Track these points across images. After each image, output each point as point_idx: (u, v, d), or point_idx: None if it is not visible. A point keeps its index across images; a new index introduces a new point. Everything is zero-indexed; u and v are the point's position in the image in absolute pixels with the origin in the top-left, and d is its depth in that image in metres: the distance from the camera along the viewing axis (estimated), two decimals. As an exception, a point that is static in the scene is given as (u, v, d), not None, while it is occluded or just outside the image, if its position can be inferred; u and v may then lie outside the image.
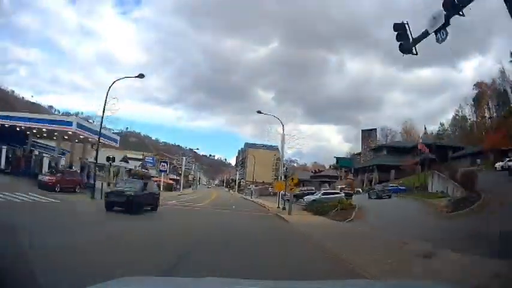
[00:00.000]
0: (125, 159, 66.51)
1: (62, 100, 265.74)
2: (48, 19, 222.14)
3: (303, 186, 71.32)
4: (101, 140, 34.21)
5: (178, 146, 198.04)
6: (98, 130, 31.05)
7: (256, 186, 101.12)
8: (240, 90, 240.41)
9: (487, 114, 65.86)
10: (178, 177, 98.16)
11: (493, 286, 4.94)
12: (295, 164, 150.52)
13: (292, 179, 21.24)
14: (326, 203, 25.49)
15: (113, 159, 26.02)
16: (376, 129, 78.97)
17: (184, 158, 59.86)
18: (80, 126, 28.84)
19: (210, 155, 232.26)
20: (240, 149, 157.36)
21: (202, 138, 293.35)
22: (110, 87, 25.82)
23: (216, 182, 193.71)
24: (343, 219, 19.08)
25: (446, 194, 30.85)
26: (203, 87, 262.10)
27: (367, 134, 76.87)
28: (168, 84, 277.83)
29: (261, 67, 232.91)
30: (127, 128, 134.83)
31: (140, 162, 61.22)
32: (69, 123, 28.55)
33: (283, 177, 31.08)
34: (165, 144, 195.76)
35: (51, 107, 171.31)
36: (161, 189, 55.92)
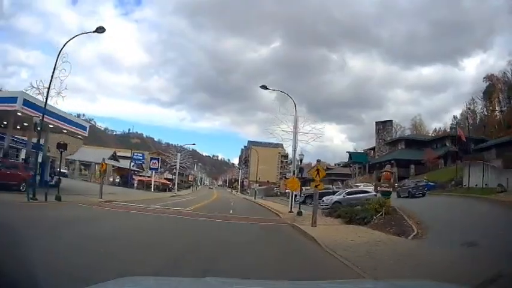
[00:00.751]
0: (115, 157, 59.53)
1: (65, 102, 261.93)
2: (49, 21, 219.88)
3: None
4: (64, 127, 27.51)
5: (181, 146, 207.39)
6: (57, 113, 24.18)
7: (259, 186, 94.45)
8: (242, 90, 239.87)
9: (497, 107, 63.16)
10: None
11: (494, 286, 4.34)
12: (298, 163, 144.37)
13: (318, 170, 13.55)
14: (356, 205, 18.35)
15: (64, 147, 18.83)
16: (391, 120, 71.42)
17: (179, 154, 52.40)
18: (28, 104, 21.67)
19: (213, 156, 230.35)
20: (242, 147, 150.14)
21: (206, 139, 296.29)
22: (60, 50, 19.06)
23: (219, 182, 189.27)
24: (401, 234, 11.81)
25: (503, 187, 24.79)
26: (205, 87, 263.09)
27: (382, 127, 69.23)
28: (170, 85, 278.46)
29: (263, 67, 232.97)
30: (129, 129, 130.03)
31: (133, 162, 54.18)
32: (13, 100, 21.44)
33: (296, 171, 23.87)
34: (168, 144, 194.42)
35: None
36: (152, 189, 49.13)
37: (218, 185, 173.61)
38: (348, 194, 25.30)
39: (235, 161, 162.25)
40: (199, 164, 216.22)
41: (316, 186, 13.53)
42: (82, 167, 57.45)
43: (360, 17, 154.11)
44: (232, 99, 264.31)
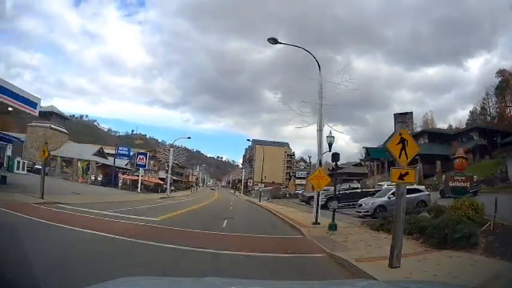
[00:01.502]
0: (101, 153, 52.21)
1: (68, 104, 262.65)
2: (52, 23, 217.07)
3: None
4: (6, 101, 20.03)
5: (186, 148, 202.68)
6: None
7: (265, 186, 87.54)
8: (246, 91, 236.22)
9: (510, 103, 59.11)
10: (175, 177, 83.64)
11: (494, 286, 4.56)
12: (303, 164, 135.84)
13: (405, 141, 5.83)
14: (412, 211, 11.06)
15: None
16: (411, 112, 62.67)
17: (171, 149, 44.91)
18: None
19: (218, 157, 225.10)
20: (247, 147, 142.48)
21: (210, 141, 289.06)
22: None
23: (223, 183, 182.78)
24: None
25: None
26: (209, 89, 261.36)
27: (401, 119, 60.83)
28: (174, 87, 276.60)
29: (267, 68, 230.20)
30: (132, 130, 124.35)
31: (128, 159, 46.75)
32: None
33: (320, 162, 16.26)
34: (172, 146, 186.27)
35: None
36: (139, 189, 41.73)
37: (221, 186, 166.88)
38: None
39: (240, 162, 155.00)
40: (204, 165, 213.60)
41: (402, 177, 5.88)
42: (64, 164, 50.17)
43: (364, 17, 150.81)
44: (236, 101, 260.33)
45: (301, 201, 30.17)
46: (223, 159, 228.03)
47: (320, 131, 14.93)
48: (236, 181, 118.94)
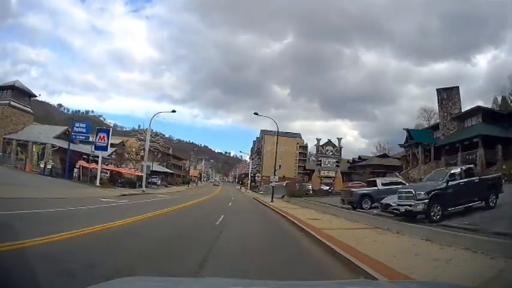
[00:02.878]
0: (68, 136, 40.09)
1: (76, 100, 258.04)
2: (58, 19, 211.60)
3: (350, 181, 44.51)
4: None
5: (193, 143, 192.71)
6: None
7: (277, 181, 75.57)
8: (255, 86, 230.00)
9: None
10: (171, 170, 71.75)
11: (494, 286, 4.40)
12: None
13: None
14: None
15: None
16: (457, 87, 49.20)
17: (148, 130, 32.60)
18: None
19: (226, 152, 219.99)
20: (255, 138, 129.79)
21: (219, 136, 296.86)
22: None
23: (230, 178, 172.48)
24: None
25: None
26: (218, 84, 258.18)
27: (446, 95, 47.20)
28: (182, 82, 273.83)
29: (276, 63, 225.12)
30: (139, 125, 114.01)
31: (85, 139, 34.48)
32: None
33: None
34: (179, 141, 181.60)
35: (60, 105, 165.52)
36: (98, 182, 29.24)
37: (227, 182, 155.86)
38: None
39: (248, 157, 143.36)
40: (212, 160, 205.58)
41: None
42: (19, 149, 38.51)
43: (373, 11, 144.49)
44: (245, 96, 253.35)
45: (347, 203, 17.74)
46: (232, 155, 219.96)
47: None
48: (243, 175, 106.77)
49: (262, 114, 48.63)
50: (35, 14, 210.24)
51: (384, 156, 76.16)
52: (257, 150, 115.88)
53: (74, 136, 31.75)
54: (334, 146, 34.51)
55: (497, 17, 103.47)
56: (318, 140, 34.36)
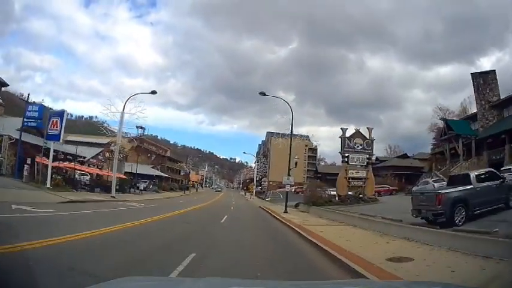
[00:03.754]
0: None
1: (80, 106, 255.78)
2: (62, 24, 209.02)
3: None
4: None
5: (198, 149, 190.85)
6: None
7: (279, 187, 68.41)
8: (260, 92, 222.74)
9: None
10: (166, 174, 64.03)
11: (493, 286, 4.37)
12: (323, 163, 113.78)
13: None
14: None
15: None
16: (494, 71, 40.60)
17: (122, 115, 24.80)
18: None
19: (231, 158, 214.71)
20: (260, 142, 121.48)
21: (224, 142, 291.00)
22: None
23: (234, 184, 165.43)
24: None
25: None
26: (223, 90, 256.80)
27: (482, 81, 38.61)
28: (187, 88, 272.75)
29: (281, 68, 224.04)
30: (143, 130, 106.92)
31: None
32: None
33: None
34: (184, 147, 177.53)
35: (63, 111, 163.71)
36: (49, 183, 20.73)
37: (231, 188, 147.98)
38: None
39: (253, 164, 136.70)
40: (216, 166, 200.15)
41: None
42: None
43: (376, 16, 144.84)
44: (250, 101, 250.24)
45: (429, 215, 9.87)
46: (237, 161, 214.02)
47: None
48: (247, 180, 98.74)
49: (269, 95, 41.08)
50: (39, 19, 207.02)
51: (405, 156, 68.16)
52: (263, 154, 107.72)
53: (26, 123, 24.08)
54: (364, 137, 26.54)
55: (500, 19, 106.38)
56: (344, 130, 26.44)
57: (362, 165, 26.09)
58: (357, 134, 26.75)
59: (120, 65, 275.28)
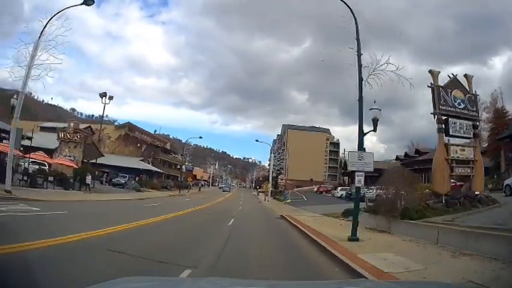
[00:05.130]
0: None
1: (91, 105, 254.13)
2: (73, 24, 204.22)
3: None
4: None
5: (211, 149, 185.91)
6: None
7: (297, 187, 57.40)
8: (274, 92, 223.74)
9: None
10: (161, 170, 52.68)
11: (494, 286, 4.19)
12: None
13: None
14: None
15: None
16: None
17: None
18: None
19: (244, 158, 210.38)
20: (275, 137, 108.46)
21: (237, 142, 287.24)
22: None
23: (247, 184, 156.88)
24: None
25: None
26: (237, 90, 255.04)
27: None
28: (201, 88, 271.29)
29: (294, 68, 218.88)
30: (155, 130, 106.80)
31: None
32: None
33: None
34: (196, 146, 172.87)
35: (73, 109, 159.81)
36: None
37: (244, 187, 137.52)
38: None
39: (267, 164, 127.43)
40: (229, 166, 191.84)
41: None
42: None
43: (389, 15, 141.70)
44: (263, 101, 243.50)
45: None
46: (250, 160, 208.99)
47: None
48: (260, 179, 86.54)
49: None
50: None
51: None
52: (278, 148, 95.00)
53: None
54: (465, 90, 14.17)
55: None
56: (435, 73, 14.08)
57: (468, 138, 14.04)
58: (455, 83, 14.24)
59: (132, 64, 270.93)
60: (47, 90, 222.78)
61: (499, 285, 4.65)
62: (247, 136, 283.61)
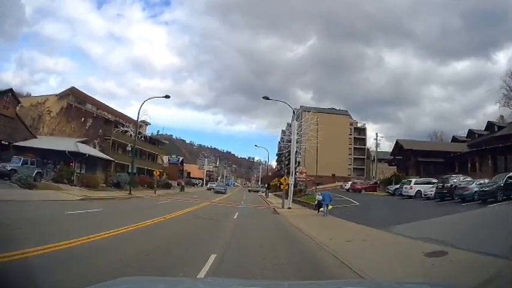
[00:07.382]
0: None
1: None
2: (75, 26, 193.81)
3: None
4: None
5: (215, 148, 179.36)
6: None
7: (318, 184, 41.11)
8: (279, 91, 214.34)
9: None
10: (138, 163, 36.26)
11: (493, 286, 4.26)
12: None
13: None
14: None
15: None
16: None
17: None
18: None
19: (249, 158, 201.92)
20: (290, 121, 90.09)
21: (243, 142, 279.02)
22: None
23: (253, 183, 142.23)
24: None
25: None
26: (241, 90, 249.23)
27: None
28: (205, 88, 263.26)
29: (299, 66, 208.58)
30: (158, 131, 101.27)
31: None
32: None
33: None
34: (200, 146, 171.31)
35: None
36: None
37: (248, 187, 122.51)
38: None
39: (274, 164, 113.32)
40: (234, 165, 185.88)
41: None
42: None
43: (394, 10, 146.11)
44: (268, 101, 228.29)
45: None
46: (255, 160, 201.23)
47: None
48: (268, 174, 69.16)
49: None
50: (51, 22, 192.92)
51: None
52: (288, 141, 77.64)
53: None
54: None
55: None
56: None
57: None
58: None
59: (136, 66, 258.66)
60: (51, 93, 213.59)
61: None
62: (252, 136, 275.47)
